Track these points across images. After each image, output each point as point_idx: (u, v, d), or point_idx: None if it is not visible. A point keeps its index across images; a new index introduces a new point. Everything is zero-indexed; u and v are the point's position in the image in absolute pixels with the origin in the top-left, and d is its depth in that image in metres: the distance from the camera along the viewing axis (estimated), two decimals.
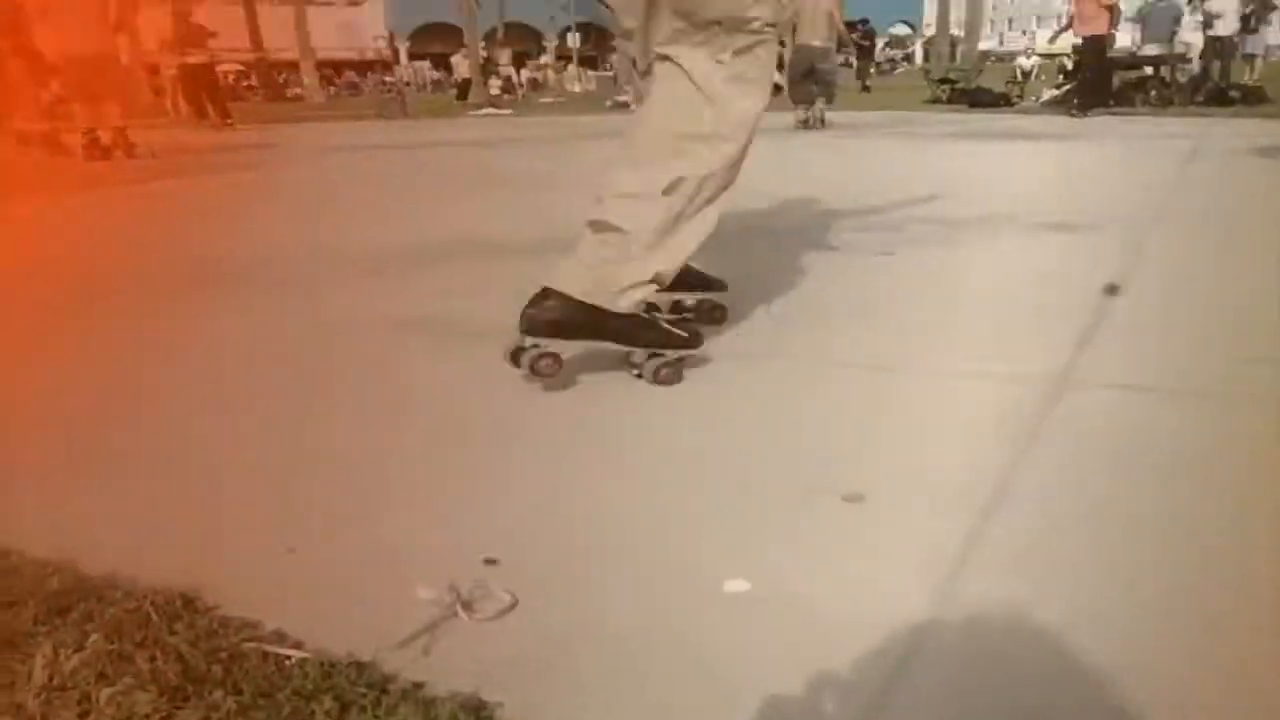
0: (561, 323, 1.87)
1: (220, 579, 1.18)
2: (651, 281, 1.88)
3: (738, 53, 1.83)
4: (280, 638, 1.06)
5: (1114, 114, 11.27)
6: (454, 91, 25.06)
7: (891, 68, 36.55)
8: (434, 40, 45.50)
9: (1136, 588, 1.14)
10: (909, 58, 47.14)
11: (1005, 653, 1.04)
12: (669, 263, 1.89)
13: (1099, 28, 11.32)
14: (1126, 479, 1.46)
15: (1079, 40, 11.93)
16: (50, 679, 0.97)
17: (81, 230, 4.53)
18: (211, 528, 1.37)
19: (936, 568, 1.20)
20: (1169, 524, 1.30)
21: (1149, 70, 13.55)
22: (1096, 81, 11.57)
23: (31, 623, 1.08)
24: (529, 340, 1.89)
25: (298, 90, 28.75)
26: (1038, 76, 19.82)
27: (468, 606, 1.13)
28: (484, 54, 24.03)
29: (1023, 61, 21.88)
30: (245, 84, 33.21)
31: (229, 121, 13.02)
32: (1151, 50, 13.72)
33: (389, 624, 1.09)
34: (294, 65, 30.07)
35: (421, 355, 2.25)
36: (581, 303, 1.86)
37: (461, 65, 26.07)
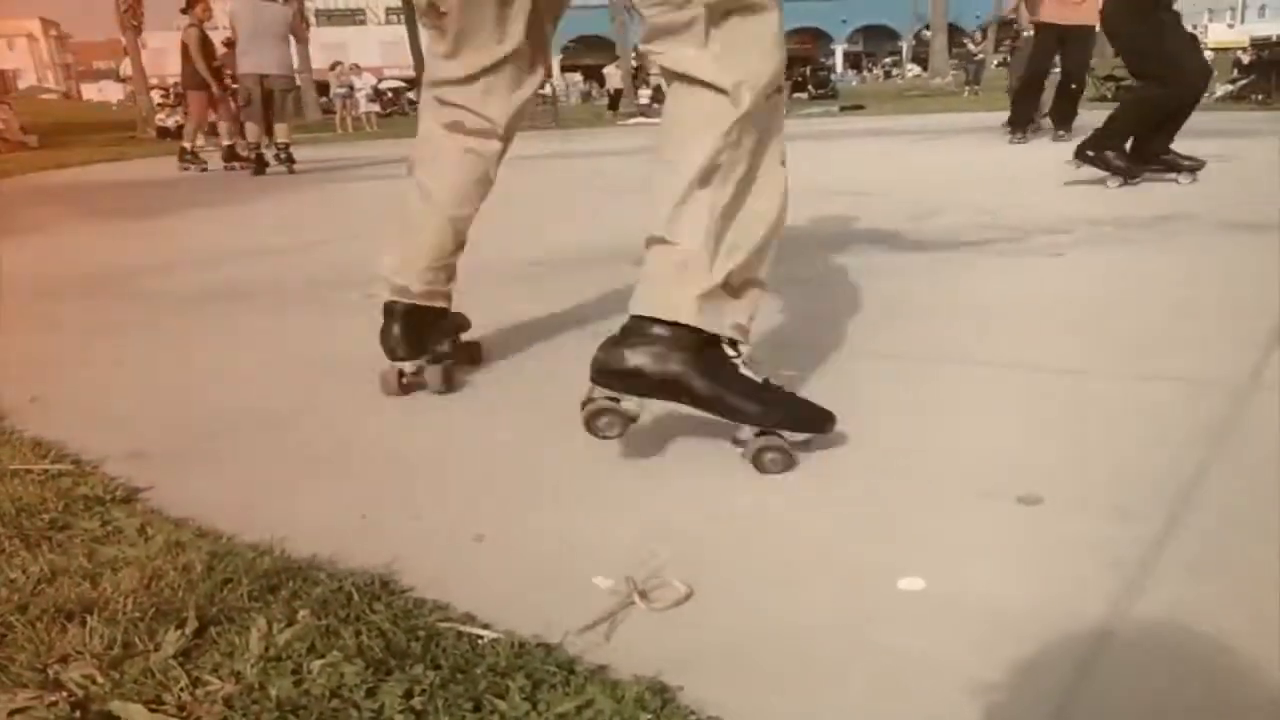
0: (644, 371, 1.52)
1: (412, 563, 1.26)
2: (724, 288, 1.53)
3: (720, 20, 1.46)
4: (470, 619, 1.11)
5: None
6: (604, 102, 25.42)
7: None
8: (585, 53, 46.35)
9: None
10: None
11: (1191, 661, 1.00)
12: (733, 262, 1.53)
13: (1088, 15, 7.04)
14: None
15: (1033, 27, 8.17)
16: (266, 650, 1.05)
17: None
18: (401, 516, 1.44)
19: (1118, 572, 1.16)
20: None
21: None
22: (1073, 93, 8.08)
23: (246, 599, 1.16)
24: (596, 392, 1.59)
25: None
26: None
27: (644, 596, 1.16)
28: (635, 64, 24.26)
29: None
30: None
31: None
32: None
33: (569, 610, 1.13)
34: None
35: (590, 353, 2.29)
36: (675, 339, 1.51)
37: (614, 76, 26.46)
